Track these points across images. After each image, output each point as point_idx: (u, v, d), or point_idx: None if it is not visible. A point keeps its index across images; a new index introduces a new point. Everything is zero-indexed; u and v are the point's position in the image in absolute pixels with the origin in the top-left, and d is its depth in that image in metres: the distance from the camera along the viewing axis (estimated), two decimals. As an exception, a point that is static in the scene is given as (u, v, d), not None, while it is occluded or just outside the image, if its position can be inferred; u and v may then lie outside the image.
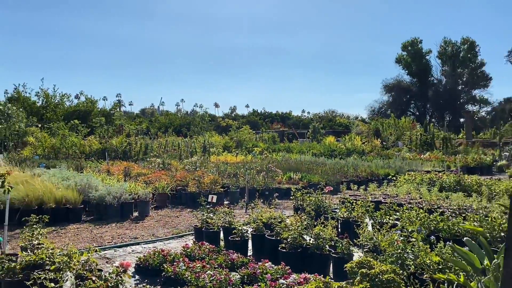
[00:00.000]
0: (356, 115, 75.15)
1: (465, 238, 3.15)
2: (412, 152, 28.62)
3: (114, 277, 4.57)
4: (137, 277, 5.90)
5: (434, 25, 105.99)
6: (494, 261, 2.78)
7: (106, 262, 6.70)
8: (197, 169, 14.66)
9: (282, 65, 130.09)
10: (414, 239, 5.18)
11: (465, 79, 73.29)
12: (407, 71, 73.42)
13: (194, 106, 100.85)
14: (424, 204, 8.75)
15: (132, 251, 7.44)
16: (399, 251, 4.75)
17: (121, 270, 4.65)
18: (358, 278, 3.75)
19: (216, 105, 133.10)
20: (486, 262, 2.92)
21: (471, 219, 6.34)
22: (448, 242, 5.23)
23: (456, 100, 72.17)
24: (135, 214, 10.47)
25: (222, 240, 7.43)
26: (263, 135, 36.13)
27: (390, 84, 72.70)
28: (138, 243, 7.90)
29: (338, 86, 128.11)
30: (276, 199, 10.85)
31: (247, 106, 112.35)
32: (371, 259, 4.14)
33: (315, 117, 63.40)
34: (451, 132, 42.76)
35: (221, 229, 7.43)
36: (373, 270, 3.71)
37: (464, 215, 6.81)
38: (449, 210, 8.07)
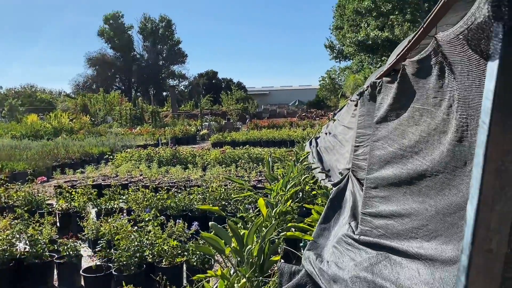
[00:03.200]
0: (59, 90, 69.44)
1: (210, 223, 3.10)
2: (124, 127, 28.65)
3: None
4: None
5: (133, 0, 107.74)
6: (249, 247, 2.81)
7: None
8: None
9: None
10: (144, 224, 4.99)
11: (165, 55, 78.25)
12: (110, 45, 72.46)
13: None
14: (146, 182, 8.72)
15: None
16: (135, 243, 4.43)
17: None
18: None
19: None
20: (233, 244, 2.94)
21: (196, 192, 6.63)
22: (178, 220, 5.29)
23: (158, 75, 76.46)
24: None
25: None
26: None
27: (94, 58, 70.21)
28: None
29: (37, 58, 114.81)
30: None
31: None
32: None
33: (11, 93, 54.98)
34: (157, 106, 45.12)
35: None
36: None
37: (188, 189, 7.08)
38: (170, 184, 8.31)
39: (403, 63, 1.91)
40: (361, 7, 26.99)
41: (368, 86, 3.39)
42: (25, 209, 6.46)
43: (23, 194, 7.32)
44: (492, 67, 0.84)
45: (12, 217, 5.80)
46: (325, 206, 4.24)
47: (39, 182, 8.61)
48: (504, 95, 0.82)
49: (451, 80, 1.39)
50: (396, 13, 25.81)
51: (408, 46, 1.81)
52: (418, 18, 25.86)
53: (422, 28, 1.52)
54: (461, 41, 1.11)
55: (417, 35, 1.64)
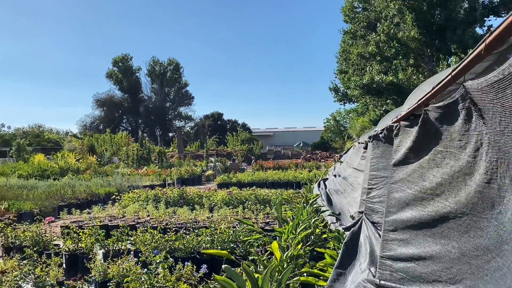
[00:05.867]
0: (66, 130, 70.33)
1: (224, 266, 3.05)
2: (130, 167, 28.73)
3: None
4: None
5: (143, 44, 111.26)
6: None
7: None
8: None
9: None
10: (155, 266, 4.92)
11: (172, 97, 79.75)
12: (118, 87, 74.11)
13: None
14: (154, 223, 8.65)
15: None
16: (145, 286, 4.35)
17: None
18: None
19: None
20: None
21: (204, 234, 6.56)
22: (187, 262, 5.21)
23: (165, 116, 77.57)
24: None
25: None
26: None
27: (102, 99, 71.69)
28: None
29: (44, 98, 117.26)
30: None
31: None
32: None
33: (18, 133, 55.71)
34: (163, 146, 45.45)
35: None
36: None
37: (196, 230, 7.00)
38: (178, 225, 8.24)
39: (425, 108, 1.95)
40: (365, 51, 27.63)
41: (383, 129, 3.43)
42: (34, 249, 6.39)
43: (30, 234, 7.27)
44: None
45: (19, 258, 5.74)
46: (340, 250, 4.18)
47: (46, 223, 8.56)
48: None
49: (479, 124, 1.42)
50: (400, 57, 26.35)
51: (432, 93, 1.85)
52: (421, 63, 26.38)
53: (450, 76, 1.56)
54: (495, 89, 1.14)
55: (442, 83, 1.69)
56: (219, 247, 6.24)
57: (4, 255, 7.21)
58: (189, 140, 68.26)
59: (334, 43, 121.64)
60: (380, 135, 3.62)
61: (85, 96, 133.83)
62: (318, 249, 4.98)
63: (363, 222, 4.55)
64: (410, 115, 2.47)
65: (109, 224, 9.12)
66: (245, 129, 55.71)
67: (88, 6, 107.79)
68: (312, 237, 5.78)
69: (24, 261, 5.30)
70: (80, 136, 53.09)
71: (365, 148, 6.00)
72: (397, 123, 2.71)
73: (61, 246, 7.14)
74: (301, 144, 57.63)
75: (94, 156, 31.97)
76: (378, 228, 3.83)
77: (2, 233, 7.62)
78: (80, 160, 29.48)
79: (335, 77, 36.42)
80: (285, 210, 8.14)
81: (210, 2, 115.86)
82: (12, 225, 7.99)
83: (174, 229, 7.15)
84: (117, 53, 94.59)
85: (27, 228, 7.64)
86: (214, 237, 6.43)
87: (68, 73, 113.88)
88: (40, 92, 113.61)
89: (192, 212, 9.59)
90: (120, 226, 7.52)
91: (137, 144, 35.93)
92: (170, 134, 74.25)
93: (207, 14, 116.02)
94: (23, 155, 31.99)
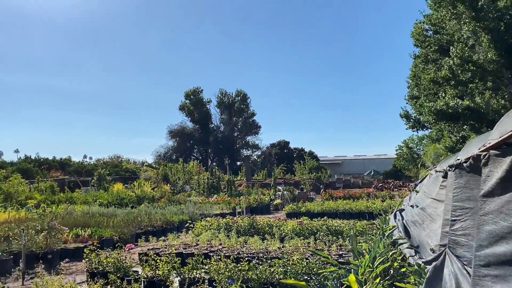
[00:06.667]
0: (142, 160, 74.27)
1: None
2: (201, 195, 29.54)
3: None
4: None
5: (212, 76, 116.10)
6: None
7: None
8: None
9: (57, 106, 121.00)
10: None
11: (240, 126, 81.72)
12: (190, 118, 77.52)
13: None
14: (226, 251, 8.77)
15: None
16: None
17: None
18: None
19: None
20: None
21: (277, 265, 6.53)
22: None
23: (233, 145, 79.45)
24: None
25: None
26: (40, 184, 31.72)
27: (175, 130, 75.25)
28: None
29: (122, 130, 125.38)
30: (62, 262, 9.24)
31: (16, 151, 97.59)
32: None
33: (99, 163, 59.71)
34: (231, 175, 46.31)
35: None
36: None
37: (269, 261, 7.00)
38: (249, 255, 8.28)
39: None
40: (438, 76, 26.55)
41: (469, 158, 3.27)
42: (118, 275, 6.73)
43: (112, 260, 7.67)
44: None
45: (102, 283, 6.06)
46: (422, 286, 3.96)
47: (126, 249, 8.99)
48: None
49: None
50: (476, 81, 24.98)
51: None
52: (501, 86, 24.81)
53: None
54: None
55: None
56: (293, 278, 6.16)
57: (88, 279, 7.66)
58: (256, 168, 68.98)
59: (402, 68, 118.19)
60: (465, 164, 3.44)
61: (159, 127, 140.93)
62: (398, 284, 4.75)
63: (447, 256, 4.29)
64: (502, 144, 2.34)
65: (183, 252, 9.39)
66: (312, 157, 55.25)
67: (161, 43, 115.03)
68: (391, 271, 5.53)
69: (108, 287, 5.59)
70: (154, 165, 55.76)
71: (444, 177, 5.70)
72: (486, 152, 2.57)
73: (139, 273, 7.44)
74: (372, 173, 55.91)
75: (168, 184, 33.32)
76: (464, 262, 3.60)
77: (87, 259, 8.13)
78: (155, 188, 30.85)
79: (406, 103, 35.25)
80: (359, 242, 7.90)
81: (276, 31, 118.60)
82: (95, 251, 8.49)
83: (246, 258, 7.20)
84: (188, 86, 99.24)
85: (109, 255, 8.07)
86: (287, 268, 6.38)
87: (144, 106, 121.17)
88: (118, 125, 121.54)
89: (263, 242, 9.61)
90: (195, 254, 7.71)
91: (207, 173, 36.98)
92: (238, 163, 75.61)
93: (274, 43, 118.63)
94: (104, 184, 34.12)
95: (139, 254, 9.61)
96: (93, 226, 13.82)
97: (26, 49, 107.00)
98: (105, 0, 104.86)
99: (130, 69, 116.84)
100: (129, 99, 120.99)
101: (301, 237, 10.05)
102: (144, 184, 30.60)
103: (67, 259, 9.59)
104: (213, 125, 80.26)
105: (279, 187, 32.08)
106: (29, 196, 25.81)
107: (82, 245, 10.83)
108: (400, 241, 6.97)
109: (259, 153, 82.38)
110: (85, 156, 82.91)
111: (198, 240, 10.46)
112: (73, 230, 12.85)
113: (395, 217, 8.89)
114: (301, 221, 12.32)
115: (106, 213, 17.71)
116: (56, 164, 59.90)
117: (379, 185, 36.34)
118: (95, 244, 9.12)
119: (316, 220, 12.49)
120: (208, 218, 13.97)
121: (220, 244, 9.97)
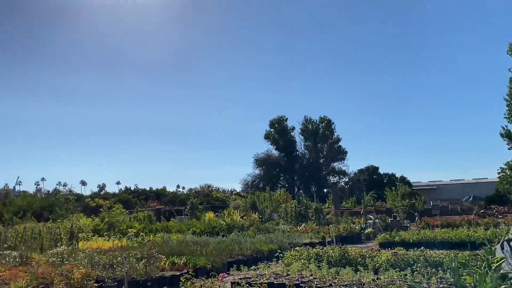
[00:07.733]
0: (231, 189, 76.41)
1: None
2: (289, 224, 29.45)
3: None
4: None
5: (296, 104, 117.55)
6: None
7: None
8: (65, 261, 12.69)
9: (152, 140, 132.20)
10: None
11: (325, 153, 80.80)
12: (275, 146, 78.52)
13: (56, 185, 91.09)
14: (318, 283, 8.61)
15: None
16: None
17: None
18: None
19: (83, 183, 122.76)
20: None
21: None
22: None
23: (319, 172, 78.53)
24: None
25: None
26: (138, 214, 33.95)
27: (260, 159, 76.66)
28: None
29: (212, 160, 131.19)
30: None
31: (118, 183, 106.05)
32: None
33: (192, 193, 62.52)
34: (319, 202, 45.61)
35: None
36: None
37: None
38: (342, 287, 8.03)
39: None
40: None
41: None
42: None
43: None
44: None
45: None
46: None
47: (220, 278, 9.23)
48: None
49: None
50: None
51: None
52: None
53: None
54: None
55: None
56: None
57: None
58: (344, 195, 67.26)
59: (496, 86, 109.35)
60: None
61: (246, 156, 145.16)
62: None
63: None
64: None
65: (274, 281, 9.39)
66: (404, 183, 52.51)
67: (244, 77, 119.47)
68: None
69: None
70: (243, 194, 56.98)
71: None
72: None
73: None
74: (471, 198, 51.64)
75: (256, 213, 33.75)
76: None
77: (184, 287, 8.47)
78: (244, 217, 31.44)
79: (508, 122, 32.44)
80: (463, 275, 7.31)
81: (358, 57, 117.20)
82: (190, 280, 8.82)
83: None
84: (273, 115, 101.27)
85: (203, 283, 8.35)
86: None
87: (231, 137, 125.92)
88: (208, 155, 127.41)
89: (356, 274, 9.28)
90: (286, 284, 7.68)
91: (294, 200, 36.89)
92: (325, 190, 74.44)
93: (357, 68, 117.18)
94: (196, 213, 35.58)
95: (232, 283, 9.79)
96: (187, 254, 14.38)
97: (124, 87, 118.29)
98: (189, 38, 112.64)
99: (216, 104, 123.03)
100: (216, 130, 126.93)
101: (397, 269, 9.53)
102: (233, 213, 31.36)
103: (165, 287, 10.09)
104: (298, 152, 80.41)
105: (370, 215, 30.91)
106: (129, 225, 27.68)
107: (178, 273, 11.28)
108: (511, 275, 6.33)
109: (347, 179, 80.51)
110: (178, 186, 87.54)
111: (289, 270, 10.40)
112: (169, 258, 13.48)
113: (502, 247, 8.10)
114: (395, 252, 11.73)
115: (199, 242, 18.34)
116: (153, 195, 63.77)
117: (481, 211, 33.43)
118: (190, 272, 9.49)
119: (412, 250, 11.79)
120: (297, 248, 13.85)
121: (311, 275, 9.81)
